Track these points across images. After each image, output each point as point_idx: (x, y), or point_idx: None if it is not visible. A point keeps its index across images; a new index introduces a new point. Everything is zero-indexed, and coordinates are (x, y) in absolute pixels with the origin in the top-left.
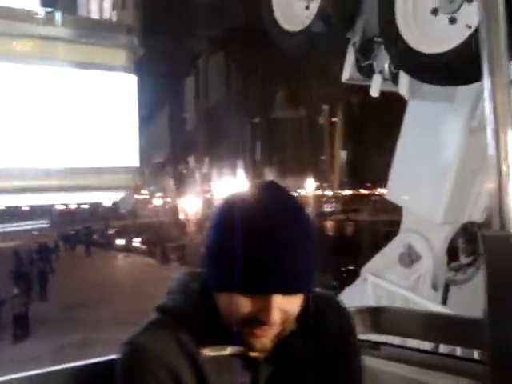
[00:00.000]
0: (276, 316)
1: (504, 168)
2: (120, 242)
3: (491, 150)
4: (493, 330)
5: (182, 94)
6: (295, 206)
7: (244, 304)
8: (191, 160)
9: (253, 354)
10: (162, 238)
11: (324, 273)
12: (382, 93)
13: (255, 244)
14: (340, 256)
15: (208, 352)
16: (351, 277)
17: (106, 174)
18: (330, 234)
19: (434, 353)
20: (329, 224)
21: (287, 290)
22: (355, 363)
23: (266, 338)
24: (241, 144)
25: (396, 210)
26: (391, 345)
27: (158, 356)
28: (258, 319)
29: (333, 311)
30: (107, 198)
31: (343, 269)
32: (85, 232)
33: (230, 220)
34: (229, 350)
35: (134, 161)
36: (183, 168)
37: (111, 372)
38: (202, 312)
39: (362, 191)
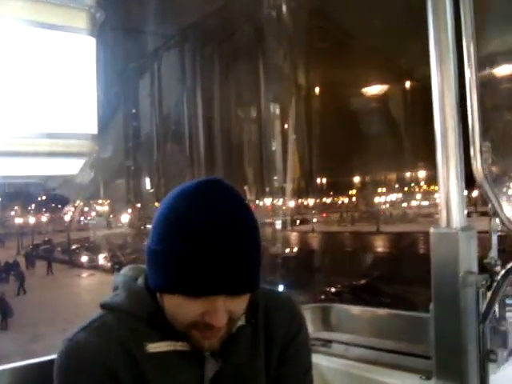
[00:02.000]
0: (222, 318)
1: (451, 170)
2: (84, 258)
3: (438, 154)
4: (437, 326)
5: (135, 91)
6: (239, 204)
7: (188, 306)
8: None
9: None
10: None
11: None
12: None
13: (197, 244)
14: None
15: (150, 349)
16: None
17: (62, 139)
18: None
19: (382, 350)
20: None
21: (232, 291)
22: (304, 360)
23: (213, 339)
24: (194, 143)
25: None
26: (341, 342)
27: (94, 354)
28: (205, 321)
29: (283, 308)
30: (64, 169)
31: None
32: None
33: (171, 219)
34: (172, 347)
35: (92, 127)
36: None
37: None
38: (144, 309)
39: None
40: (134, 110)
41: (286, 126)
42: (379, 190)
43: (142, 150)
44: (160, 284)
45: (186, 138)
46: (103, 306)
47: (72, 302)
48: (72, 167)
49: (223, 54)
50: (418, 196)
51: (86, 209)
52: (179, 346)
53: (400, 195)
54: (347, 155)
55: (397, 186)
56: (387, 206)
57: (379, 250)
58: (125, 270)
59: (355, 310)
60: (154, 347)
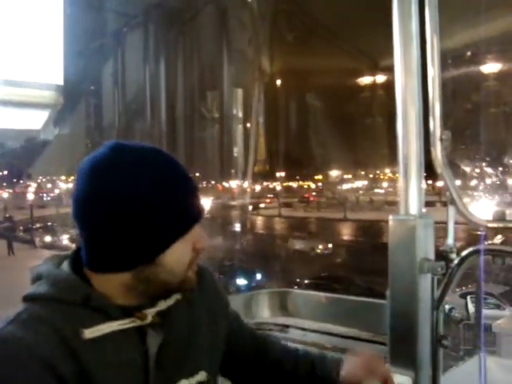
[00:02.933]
0: (205, 242)
1: (411, 158)
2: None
3: (399, 143)
4: (393, 312)
5: (99, 69)
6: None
7: (184, 247)
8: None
9: (137, 322)
10: None
11: None
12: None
13: (176, 188)
14: None
15: (87, 335)
16: None
17: (25, 88)
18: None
19: (339, 335)
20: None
21: (202, 216)
22: (233, 312)
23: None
24: (156, 124)
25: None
26: (298, 328)
27: (27, 349)
28: (197, 251)
29: (207, 281)
30: (28, 122)
31: None
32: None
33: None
34: (109, 327)
35: (58, 78)
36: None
37: None
38: (77, 293)
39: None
40: (92, 87)
41: (249, 109)
42: (345, 176)
43: (103, 127)
44: (157, 244)
45: (148, 117)
46: (28, 298)
47: None
48: (36, 120)
49: (187, 37)
50: (385, 184)
51: (49, 185)
52: (117, 325)
53: (366, 182)
54: (315, 141)
55: (363, 172)
56: (353, 192)
57: (346, 238)
58: (44, 261)
59: (313, 295)
60: (92, 332)
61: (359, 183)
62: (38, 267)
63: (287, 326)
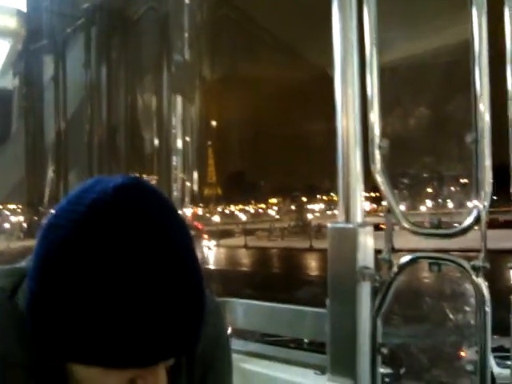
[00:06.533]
0: (163, 380)
1: (350, 166)
2: None
3: (338, 151)
4: (333, 321)
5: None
6: (178, 225)
7: (110, 376)
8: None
9: None
10: None
11: None
12: None
13: (127, 299)
14: None
15: None
16: None
17: None
18: None
19: (280, 345)
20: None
21: (176, 354)
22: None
23: None
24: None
25: None
26: (239, 337)
27: None
28: None
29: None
30: None
31: None
32: None
33: (80, 252)
34: None
35: (20, 3)
36: None
37: None
38: (28, 354)
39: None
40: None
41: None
42: (302, 199)
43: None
44: (60, 351)
45: (86, 125)
46: None
47: None
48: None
49: (129, 41)
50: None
51: None
52: None
53: (322, 205)
54: (257, 158)
55: (317, 195)
56: (312, 216)
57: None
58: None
59: (254, 305)
60: None
61: (315, 206)
62: None
63: (229, 336)
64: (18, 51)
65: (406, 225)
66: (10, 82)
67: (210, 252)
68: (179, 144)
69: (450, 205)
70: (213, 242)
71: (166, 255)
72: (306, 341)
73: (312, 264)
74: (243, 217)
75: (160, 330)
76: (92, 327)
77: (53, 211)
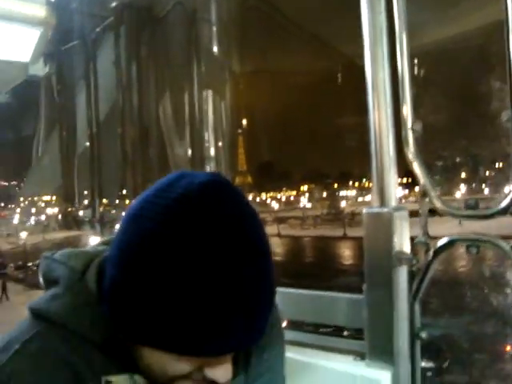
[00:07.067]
0: (229, 372)
1: (384, 151)
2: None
3: (371, 136)
4: (370, 306)
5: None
6: (258, 227)
7: (178, 362)
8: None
9: None
10: None
11: None
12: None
13: (208, 289)
14: None
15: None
16: None
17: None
18: None
19: (317, 332)
20: None
21: (245, 346)
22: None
23: None
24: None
25: None
26: None
27: None
28: (202, 375)
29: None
30: (15, 53)
31: None
32: None
33: (167, 244)
34: (128, 381)
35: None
36: None
37: None
38: (99, 333)
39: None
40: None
41: (222, 115)
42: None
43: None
44: (136, 334)
45: (117, 121)
46: (37, 314)
47: None
48: (24, 50)
49: (157, 38)
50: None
51: (33, 209)
52: (137, 379)
53: (354, 192)
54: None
55: (350, 182)
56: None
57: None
58: (65, 256)
59: (290, 292)
60: (118, 380)
61: (348, 193)
62: (56, 265)
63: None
64: (47, 40)
65: (441, 207)
66: (40, 69)
67: None
68: (211, 138)
69: (486, 191)
70: None
71: (247, 251)
72: (343, 327)
73: (346, 253)
74: (275, 205)
75: (236, 321)
76: (170, 315)
77: (134, 201)
